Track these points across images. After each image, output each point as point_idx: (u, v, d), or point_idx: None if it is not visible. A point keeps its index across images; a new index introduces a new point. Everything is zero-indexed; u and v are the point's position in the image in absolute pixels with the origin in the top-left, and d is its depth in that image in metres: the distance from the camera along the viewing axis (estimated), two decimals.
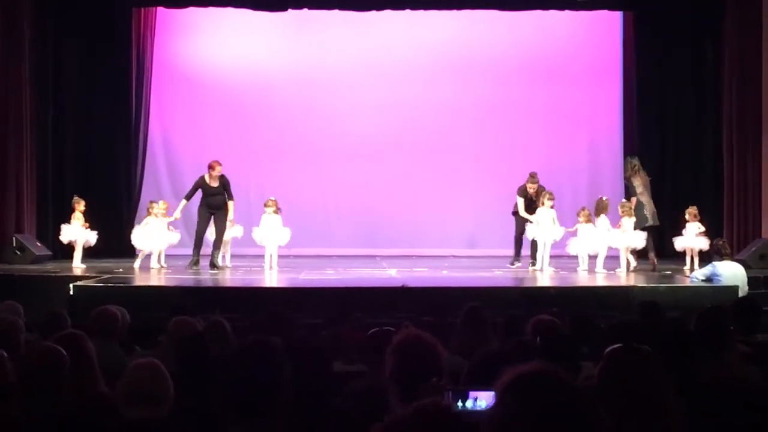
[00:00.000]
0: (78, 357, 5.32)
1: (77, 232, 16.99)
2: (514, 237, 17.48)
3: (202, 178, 16.93)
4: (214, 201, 16.90)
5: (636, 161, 17.74)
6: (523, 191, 17.26)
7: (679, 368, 5.57)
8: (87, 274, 14.84)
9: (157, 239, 17.03)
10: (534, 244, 17.14)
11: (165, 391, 5.01)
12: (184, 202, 17.05)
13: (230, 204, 16.89)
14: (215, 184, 16.87)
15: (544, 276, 16.11)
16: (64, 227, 17.14)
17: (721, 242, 14.57)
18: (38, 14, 18.38)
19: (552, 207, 16.85)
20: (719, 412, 4.99)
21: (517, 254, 17.48)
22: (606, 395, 3.83)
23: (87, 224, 17.14)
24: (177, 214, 17.05)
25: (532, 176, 17.24)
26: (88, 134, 19.89)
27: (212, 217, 16.86)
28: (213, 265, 16.68)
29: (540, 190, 17.10)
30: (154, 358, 5.46)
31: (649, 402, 3.75)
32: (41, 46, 18.60)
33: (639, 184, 17.26)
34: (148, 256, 16.96)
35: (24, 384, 5.07)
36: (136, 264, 16.78)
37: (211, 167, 16.91)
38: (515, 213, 17.40)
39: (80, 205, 17.12)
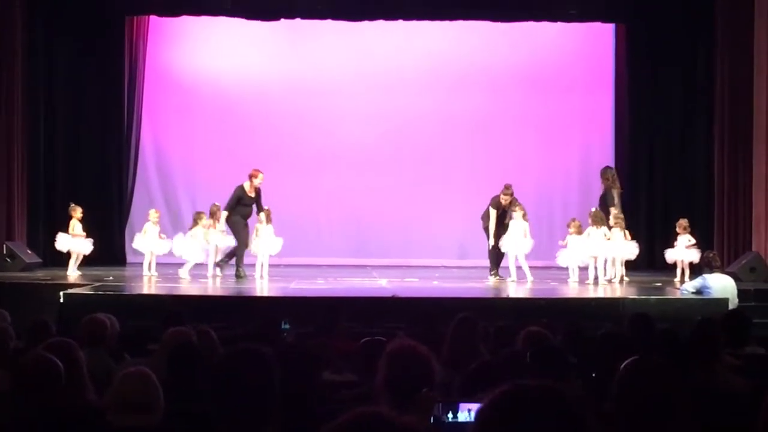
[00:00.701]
0: (68, 365, 5.32)
1: (73, 240, 16.92)
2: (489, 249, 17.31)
3: (242, 188, 16.94)
4: (248, 211, 16.98)
5: (614, 171, 17.77)
6: (496, 203, 17.16)
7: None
8: (77, 282, 14.81)
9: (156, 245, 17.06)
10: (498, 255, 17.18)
11: (155, 399, 5.02)
12: (226, 213, 16.87)
13: (262, 215, 16.93)
14: (253, 194, 16.94)
15: (531, 287, 16.14)
16: (60, 235, 17.07)
17: (711, 255, 14.61)
18: (30, 22, 18.37)
19: (525, 218, 16.87)
20: (708, 421, 5.00)
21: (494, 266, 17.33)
22: (623, 406, 3.86)
23: (84, 232, 17.06)
24: (221, 225, 16.93)
25: (507, 188, 17.14)
26: (80, 142, 19.87)
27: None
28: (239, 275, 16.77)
29: (513, 202, 17.04)
30: (146, 366, 5.46)
31: (665, 413, 3.78)
32: (33, 54, 18.58)
33: (616, 194, 17.30)
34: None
35: (17, 392, 5.06)
36: (184, 273, 16.73)
37: (253, 176, 16.94)
38: (486, 227, 17.22)
39: (77, 213, 17.04)
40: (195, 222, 16.98)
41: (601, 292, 15.37)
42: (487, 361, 5.54)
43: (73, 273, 16.64)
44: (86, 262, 17.87)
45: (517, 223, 16.81)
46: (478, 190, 19.39)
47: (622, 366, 4.04)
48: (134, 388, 5.01)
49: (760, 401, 3.64)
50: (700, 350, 6.67)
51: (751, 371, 6.88)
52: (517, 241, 16.76)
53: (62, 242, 17.00)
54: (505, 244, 16.87)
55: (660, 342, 6.82)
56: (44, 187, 19.07)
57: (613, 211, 16.92)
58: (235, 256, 16.96)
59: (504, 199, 17.03)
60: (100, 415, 4.99)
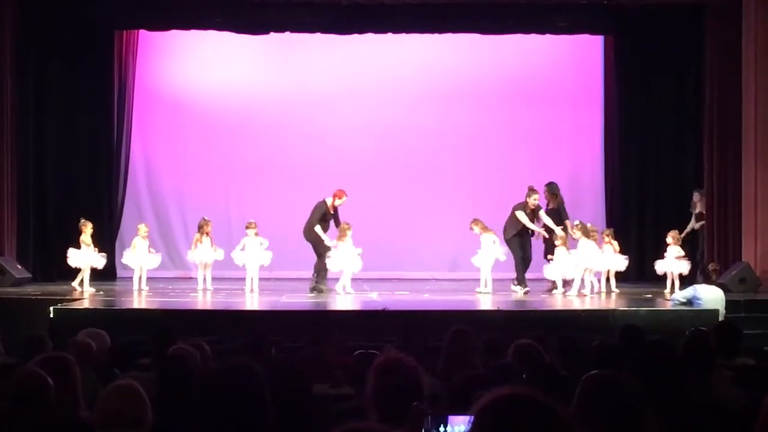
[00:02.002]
0: (61, 381, 5.29)
1: (85, 256, 16.84)
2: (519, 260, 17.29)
3: (325, 204, 17.16)
4: (326, 226, 17.21)
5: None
6: (523, 206, 17.15)
7: (665, 391, 5.59)
8: (69, 297, 14.77)
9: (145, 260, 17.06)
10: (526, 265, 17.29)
11: (143, 414, 4.99)
12: (321, 229, 17.04)
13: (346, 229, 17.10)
14: (332, 211, 17.17)
15: (524, 299, 16.20)
16: (71, 251, 16.96)
17: (712, 267, 14.59)
18: (20, 37, 18.32)
19: (485, 231, 17.02)
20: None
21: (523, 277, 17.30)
22: (584, 420, 3.83)
23: (96, 248, 16.99)
24: (329, 242, 17.01)
25: (533, 189, 17.25)
26: (70, 157, 19.80)
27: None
28: (313, 290, 16.92)
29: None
30: (142, 380, 5.45)
31: (628, 426, 3.75)
32: (23, 69, 18.53)
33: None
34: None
35: (6, 409, 5.04)
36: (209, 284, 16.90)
37: (337, 196, 17.20)
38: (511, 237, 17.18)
39: (87, 228, 16.96)
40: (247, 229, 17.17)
41: (592, 304, 15.38)
42: (475, 374, 5.53)
43: (87, 289, 16.53)
44: (76, 277, 17.85)
45: (485, 236, 16.97)
46: (468, 203, 19.42)
47: (582, 379, 4.02)
48: (121, 401, 4.98)
49: (754, 412, 3.65)
50: (693, 361, 6.68)
51: (743, 382, 6.89)
52: (488, 252, 16.93)
53: (74, 258, 16.89)
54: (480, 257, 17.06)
55: (652, 353, 6.81)
56: (34, 202, 19.00)
57: (570, 223, 17.08)
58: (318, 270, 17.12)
59: (533, 203, 17.03)
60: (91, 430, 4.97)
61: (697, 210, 18.40)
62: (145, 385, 5.29)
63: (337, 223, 17.19)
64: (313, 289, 16.90)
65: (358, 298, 16.31)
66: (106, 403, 5.01)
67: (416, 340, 8.29)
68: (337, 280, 17.02)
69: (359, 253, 16.77)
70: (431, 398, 4.95)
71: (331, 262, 16.88)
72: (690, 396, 5.73)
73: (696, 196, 18.53)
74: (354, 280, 17.24)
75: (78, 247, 16.82)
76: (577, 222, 16.98)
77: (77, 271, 17.02)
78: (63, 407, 5.20)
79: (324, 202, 17.14)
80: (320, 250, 17.03)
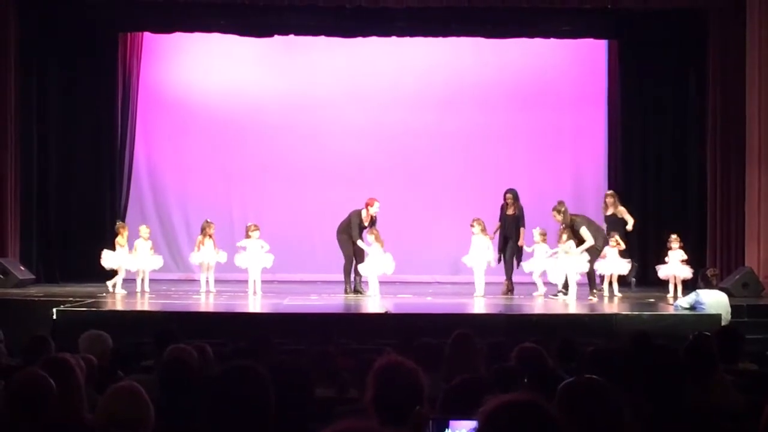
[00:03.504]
0: (64, 382, 5.30)
1: (120, 258, 16.84)
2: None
3: (359, 215, 17.25)
4: (361, 234, 17.27)
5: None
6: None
7: (666, 396, 5.59)
8: (71, 299, 14.75)
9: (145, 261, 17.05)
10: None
11: (145, 415, 5.00)
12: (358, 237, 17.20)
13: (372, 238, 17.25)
14: (367, 222, 17.28)
15: (527, 303, 16.21)
16: (106, 253, 17.00)
17: (712, 272, 14.56)
18: (23, 40, 18.33)
19: (484, 233, 17.07)
20: None
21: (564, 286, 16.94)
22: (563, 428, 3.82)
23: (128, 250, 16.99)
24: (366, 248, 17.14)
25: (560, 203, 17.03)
26: (73, 158, 19.85)
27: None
28: (357, 291, 17.13)
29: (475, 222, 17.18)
30: (144, 382, 5.45)
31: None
32: (27, 71, 18.54)
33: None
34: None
35: (9, 410, 5.05)
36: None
37: (369, 205, 17.28)
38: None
39: (124, 231, 16.99)
40: (247, 234, 17.07)
41: (595, 308, 15.37)
42: (475, 377, 5.52)
43: (119, 291, 16.55)
44: (79, 277, 17.88)
45: (477, 239, 16.98)
46: (470, 206, 19.39)
47: (558, 388, 4.01)
48: (123, 404, 4.99)
49: (756, 417, 3.64)
50: (695, 366, 6.67)
51: (745, 387, 6.89)
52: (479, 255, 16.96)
53: (108, 259, 16.89)
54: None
55: (653, 359, 6.80)
56: (37, 203, 19.01)
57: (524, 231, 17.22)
58: (351, 272, 17.27)
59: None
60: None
61: (609, 212, 17.98)
62: (148, 386, 5.30)
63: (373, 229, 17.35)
64: (354, 291, 17.10)
65: (390, 300, 16.28)
66: (108, 405, 5.01)
67: (417, 343, 8.27)
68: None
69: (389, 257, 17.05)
70: (433, 402, 4.95)
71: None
72: (691, 401, 5.72)
73: (609, 200, 18.06)
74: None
75: (113, 248, 16.87)
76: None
77: (79, 272, 17.05)
78: (65, 409, 5.21)
79: (358, 214, 17.24)
80: (346, 252, 17.21)
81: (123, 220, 19.51)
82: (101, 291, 16.42)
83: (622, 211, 17.47)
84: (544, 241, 17.30)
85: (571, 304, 15.85)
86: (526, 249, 17.36)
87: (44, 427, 4.98)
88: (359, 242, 17.18)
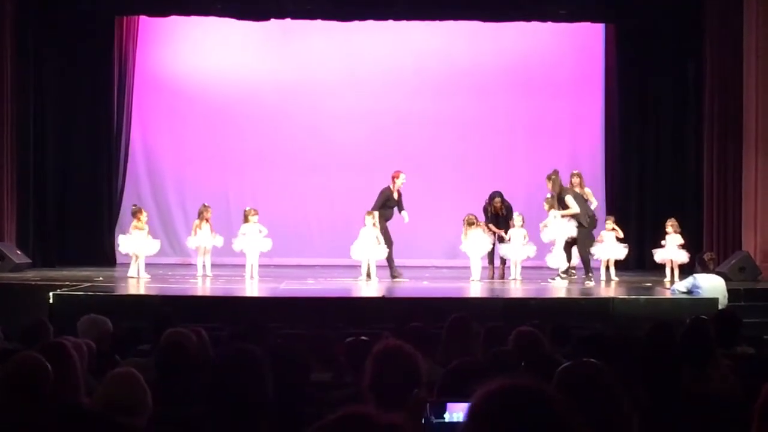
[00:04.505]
0: (60, 366, 5.29)
1: (138, 242, 16.74)
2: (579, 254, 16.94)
3: (389, 189, 17.13)
4: (390, 213, 17.23)
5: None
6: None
7: (664, 380, 5.59)
8: (68, 282, 14.72)
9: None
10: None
11: (142, 400, 5.00)
12: (376, 214, 16.95)
13: (404, 214, 17.20)
14: (396, 195, 17.15)
15: (525, 287, 16.22)
16: (122, 238, 16.97)
17: (708, 256, 14.55)
18: (19, 23, 18.29)
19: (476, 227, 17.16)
20: (705, 424, 4.99)
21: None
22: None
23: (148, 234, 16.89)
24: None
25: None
26: (70, 143, 19.84)
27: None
28: (394, 276, 17.03)
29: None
30: (141, 366, 5.45)
31: (603, 415, 3.73)
32: (23, 55, 18.50)
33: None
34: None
35: (5, 393, 5.04)
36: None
37: (395, 177, 17.19)
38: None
39: (142, 214, 16.90)
40: (246, 218, 17.03)
41: (592, 292, 15.38)
42: (471, 361, 5.52)
43: (143, 276, 16.50)
44: (75, 262, 17.86)
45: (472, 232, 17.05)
46: (467, 191, 19.42)
47: (556, 371, 3.99)
48: (121, 389, 4.99)
49: (753, 401, 3.64)
50: (692, 350, 6.67)
51: (742, 371, 6.89)
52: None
53: (126, 244, 16.87)
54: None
55: (649, 343, 6.80)
56: (34, 187, 18.99)
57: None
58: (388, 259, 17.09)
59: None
60: (91, 416, 4.96)
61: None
62: (144, 371, 5.29)
63: (401, 208, 17.25)
64: (394, 276, 17.04)
65: (386, 285, 16.29)
66: (106, 390, 5.01)
67: (415, 327, 8.27)
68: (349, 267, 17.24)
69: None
70: (432, 385, 4.95)
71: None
72: (688, 384, 5.73)
73: (574, 180, 17.83)
74: (353, 267, 17.28)
75: (115, 232, 16.84)
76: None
77: (76, 256, 17.02)
78: (62, 393, 5.20)
79: (388, 188, 17.16)
80: (386, 237, 17.08)
81: (120, 205, 19.52)
82: (98, 275, 16.40)
83: (588, 193, 17.44)
84: (522, 225, 17.24)
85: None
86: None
87: (41, 410, 4.97)
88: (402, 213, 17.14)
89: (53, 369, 5.13)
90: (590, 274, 16.51)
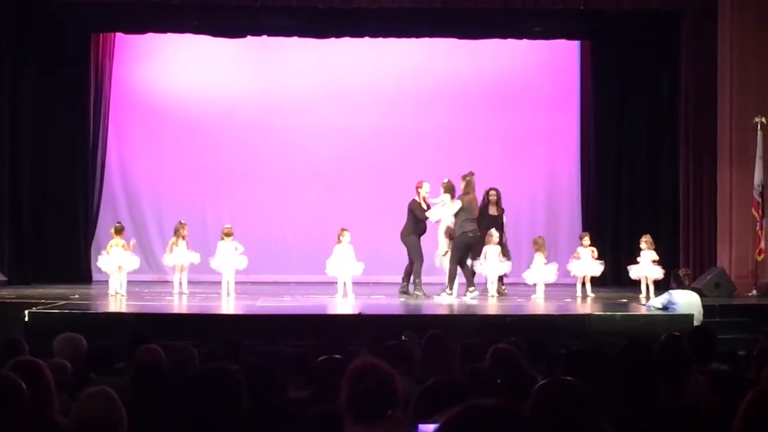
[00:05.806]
0: (34, 385, 5.26)
1: (121, 257, 16.64)
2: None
3: (416, 202, 16.90)
4: (423, 226, 16.95)
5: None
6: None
7: (640, 397, 5.60)
8: (43, 301, 14.65)
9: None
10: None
11: (118, 419, 4.98)
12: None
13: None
14: (424, 205, 16.90)
15: (501, 304, 16.24)
16: (103, 253, 16.80)
17: (684, 272, 14.59)
18: None
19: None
20: None
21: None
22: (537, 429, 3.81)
23: (128, 249, 16.78)
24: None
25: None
26: (45, 159, 19.75)
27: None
28: (406, 293, 16.84)
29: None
30: (116, 385, 5.42)
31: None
32: None
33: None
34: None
35: None
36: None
37: (419, 187, 17.02)
38: None
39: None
40: (222, 236, 16.98)
41: (568, 309, 15.41)
42: (445, 379, 5.52)
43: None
44: (52, 280, 17.77)
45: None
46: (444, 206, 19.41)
47: (533, 390, 3.99)
48: (96, 408, 4.97)
49: (728, 417, 3.65)
50: (667, 367, 6.69)
51: (717, 387, 6.91)
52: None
53: (103, 262, 16.74)
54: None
55: (625, 360, 6.81)
56: (9, 204, 18.88)
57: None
58: (412, 274, 16.85)
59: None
60: None
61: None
62: (120, 389, 5.27)
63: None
64: (415, 295, 16.71)
65: (363, 301, 16.26)
66: (81, 408, 4.99)
67: (391, 344, 8.27)
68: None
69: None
70: (406, 403, 4.94)
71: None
72: (663, 401, 5.74)
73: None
74: (330, 284, 17.24)
75: (89, 250, 16.77)
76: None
77: (52, 274, 16.90)
78: (37, 411, 5.17)
79: (414, 200, 16.94)
80: (413, 254, 16.87)
81: (96, 222, 19.42)
82: (73, 293, 16.32)
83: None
84: (498, 242, 17.18)
85: (549, 305, 15.96)
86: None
87: (15, 429, 4.94)
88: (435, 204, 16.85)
89: (27, 388, 5.09)
90: (448, 291, 16.43)
